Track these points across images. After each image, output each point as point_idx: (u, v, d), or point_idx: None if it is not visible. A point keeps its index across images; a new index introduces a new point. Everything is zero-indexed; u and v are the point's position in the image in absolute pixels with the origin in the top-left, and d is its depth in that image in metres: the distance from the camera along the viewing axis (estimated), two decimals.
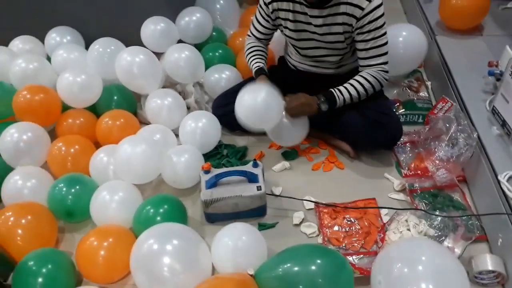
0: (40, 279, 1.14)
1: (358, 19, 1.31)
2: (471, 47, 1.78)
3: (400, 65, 1.77)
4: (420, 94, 1.74)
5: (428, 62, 1.89)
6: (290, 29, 1.44)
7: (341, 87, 1.40)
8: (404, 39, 1.72)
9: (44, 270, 1.15)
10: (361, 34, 1.34)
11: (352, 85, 1.40)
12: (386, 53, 1.39)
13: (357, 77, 1.41)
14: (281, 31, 1.52)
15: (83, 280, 1.26)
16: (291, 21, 1.41)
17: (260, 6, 1.47)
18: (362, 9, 1.28)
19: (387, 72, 1.41)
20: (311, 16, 1.36)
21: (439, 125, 1.47)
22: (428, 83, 1.83)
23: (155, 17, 1.88)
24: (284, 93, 1.43)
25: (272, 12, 1.43)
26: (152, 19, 1.87)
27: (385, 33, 1.35)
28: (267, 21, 1.50)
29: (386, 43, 1.37)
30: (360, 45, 1.37)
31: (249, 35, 1.61)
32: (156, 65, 1.70)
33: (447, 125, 1.43)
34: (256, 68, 1.52)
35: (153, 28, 1.85)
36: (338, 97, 1.39)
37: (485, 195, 1.28)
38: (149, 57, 1.67)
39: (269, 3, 1.42)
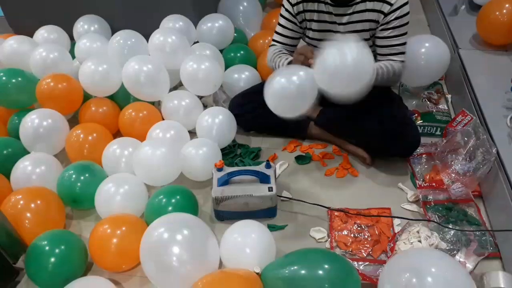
0: (52, 259, 1.15)
1: (385, 15, 1.30)
2: (494, 62, 1.75)
3: (421, 77, 1.75)
4: (440, 106, 1.72)
5: (449, 75, 1.86)
6: (313, 30, 1.44)
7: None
8: (427, 50, 1.70)
9: (57, 250, 1.17)
10: (386, 30, 1.33)
11: (380, 66, 1.35)
12: (404, 52, 1.39)
13: (382, 63, 1.37)
14: (305, 34, 1.50)
15: (93, 266, 1.28)
16: (315, 21, 1.41)
17: (285, 9, 1.44)
18: (391, 4, 1.27)
19: (403, 64, 1.41)
20: (336, 15, 1.36)
21: (457, 138, 1.44)
22: (449, 96, 1.80)
23: (175, 15, 1.91)
24: None
25: (297, 14, 1.42)
26: (172, 17, 1.90)
27: (406, 32, 1.35)
28: (293, 23, 1.46)
29: (406, 42, 1.38)
30: (383, 42, 1.36)
31: (273, 43, 1.54)
32: (164, 74, 1.65)
33: (465, 139, 1.41)
34: (287, 61, 1.41)
35: (171, 25, 1.88)
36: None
37: (500, 212, 1.25)
38: (156, 66, 1.62)
39: (295, 4, 1.41)
